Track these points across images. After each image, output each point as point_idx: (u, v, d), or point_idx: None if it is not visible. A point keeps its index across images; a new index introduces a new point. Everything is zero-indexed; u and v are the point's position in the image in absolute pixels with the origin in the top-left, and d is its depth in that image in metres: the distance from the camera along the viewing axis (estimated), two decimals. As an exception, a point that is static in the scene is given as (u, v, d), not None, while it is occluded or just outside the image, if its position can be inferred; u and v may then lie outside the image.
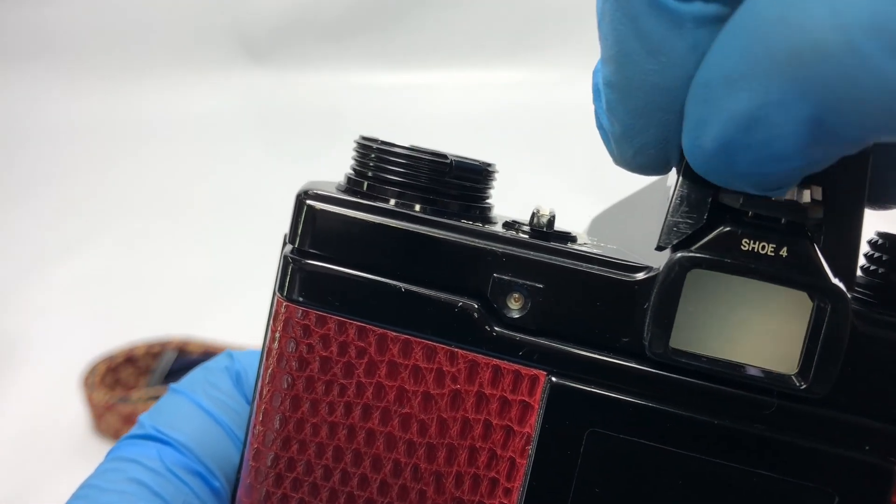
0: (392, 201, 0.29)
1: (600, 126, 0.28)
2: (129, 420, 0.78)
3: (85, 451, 0.79)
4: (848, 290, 0.25)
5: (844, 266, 0.25)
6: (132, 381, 0.87)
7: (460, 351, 0.28)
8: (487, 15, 1.51)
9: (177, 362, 0.88)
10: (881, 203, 0.28)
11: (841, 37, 0.18)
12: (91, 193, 1.31)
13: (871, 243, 0.29)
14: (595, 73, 0.28)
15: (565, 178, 1.28)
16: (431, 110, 1.44)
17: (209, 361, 0.39)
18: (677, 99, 0.24)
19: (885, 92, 0.18)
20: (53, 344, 0.95)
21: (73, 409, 0.83)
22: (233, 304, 1.04)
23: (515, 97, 1.48)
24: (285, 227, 0.30)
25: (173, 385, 0.37)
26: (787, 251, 0.25)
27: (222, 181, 1.34)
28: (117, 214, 1.26)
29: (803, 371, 0.26)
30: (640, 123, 0.25)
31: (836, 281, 0.25)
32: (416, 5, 1.51)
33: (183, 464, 0.34)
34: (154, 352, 0.88)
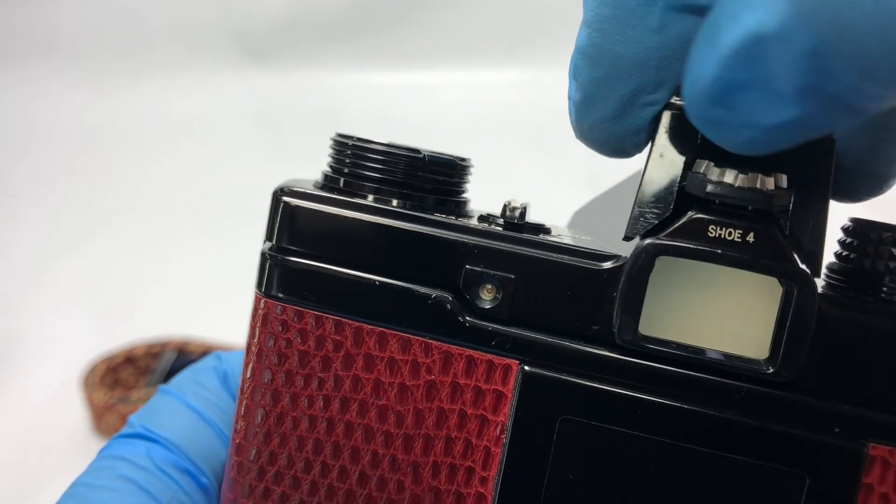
0: (369, 197, 0.30)
1: (570, 97, 0.28)
2: (129, 419, 0.79)
3: (85, 451, 0.79)
4: (815, 274, 0.26)
5: (811, 251, 0.26)
6: (132, 381, 0.87)
7: (434, 342, 0.29)
8: (487, 15, 1.51)
9: (177, 362, 0.88)
10: (849, 196, 0.28)
11: None
12: (91, 193, 1.32)
13: (844, 229, 0.30)
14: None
15: (563, 176, 1.28)
16: (431, 110, 1.44)
17: (197, 363, 0.39)
18: (635, 75, 0.25)
19: (887, 25, 0.18)
20: (53, 344, 0.95)
21: (73, 409, 0.83)
22: (233, 304, 1.03)
23: (515, 97, 1.47)
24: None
25: (162, 386, 0.38)
26: (753, 237, 0.26)
27: (222, 181, 1.35)
28: (117, 214, 1.26)
29: (772, 355, 0.26)
30: (600, 93, 0.26)
31: (802, 265, 0.26)
32: (416, 5, 1.51)
33: (171, 461, 0.34)
34: (154, 352, 0.89)
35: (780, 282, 0.26)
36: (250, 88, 1.54)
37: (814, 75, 0.20)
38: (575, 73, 0.27)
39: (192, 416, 0.36)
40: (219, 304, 1.04)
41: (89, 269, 1.13)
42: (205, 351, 0.89)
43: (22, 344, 0.95)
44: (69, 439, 0.81)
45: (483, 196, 0.34)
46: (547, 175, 1.32)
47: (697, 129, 0.25)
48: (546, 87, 1.44)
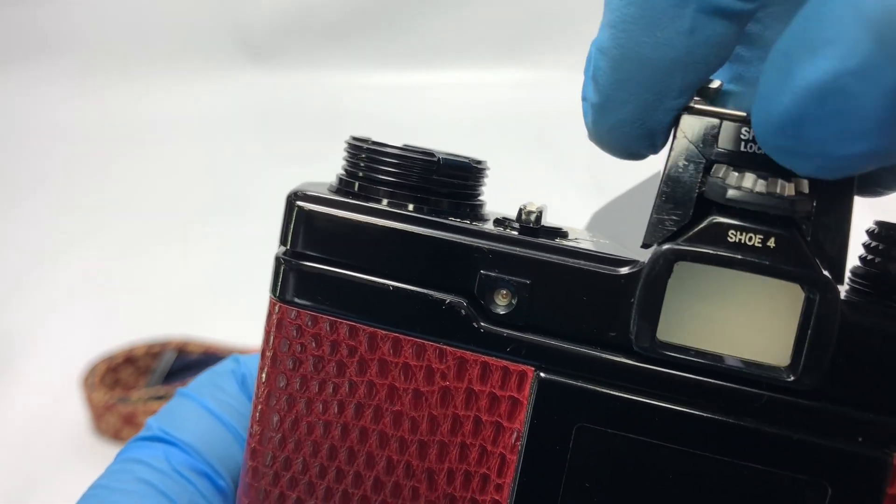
0: (384, 201, 0.29)
1: (584, 97, 0.28)
2: (129, 420, 0.78)
3: (85, 451, 0.79)
4: (838, 280, 0.25)
5: (834, 257, 0.25)
6: (132, 381, 0.87)
7: (449, 348, 0.28)
8: (487, 15, 1.52)
9: (176, 362, 0.88)
10: (871, 190, 0.28)
11: None
12: (91, 193, 1.32)
13: (870, 233, 0.29)
14: (593, 42, 0.27)
15: (565, 177, 1.28)
16: (431, 110, 1.44)
17: (216, 366, 0.39)
18: (661, 80, 0.24)
19: None
20: (53, 344, 0.95)
21: (73, 409, 0.83)
22: (233, 304, 1.04)
23: (515, 97, 1.48)
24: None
25: (180, 389, 0.38)
26: (774, 242, 0.25)
27: (222, 181, 1.35)
28: (117, 214, 1.26)
29: (793, 363, 0.26)
30: (621, 96, 0.25)
31: (824, 271, 0.25)
32: (416, 5, 1.51)
33: (189, 464, 0.34)
34: (154, 352, 0.88)
35: (802, 288, 0.25)
36: (250, 88, 1.54)
37: None
38: (594, 74, 0.26)
39: (210, 418, 0.36)
40: (218, 304, 1.04)
41: (89, 269, 1.13)
42: (205, 351, 0.89)
43: (22, 344, 0.95)
44: (69, 439, 0.81)
45: (483, 196, 0.33)
46: (547, 175, 1.32)
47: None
48: (546, 87, 1.45)
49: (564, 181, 1.28)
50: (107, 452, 0.78)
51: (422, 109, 1.44)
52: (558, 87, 1.42)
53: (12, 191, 1.31)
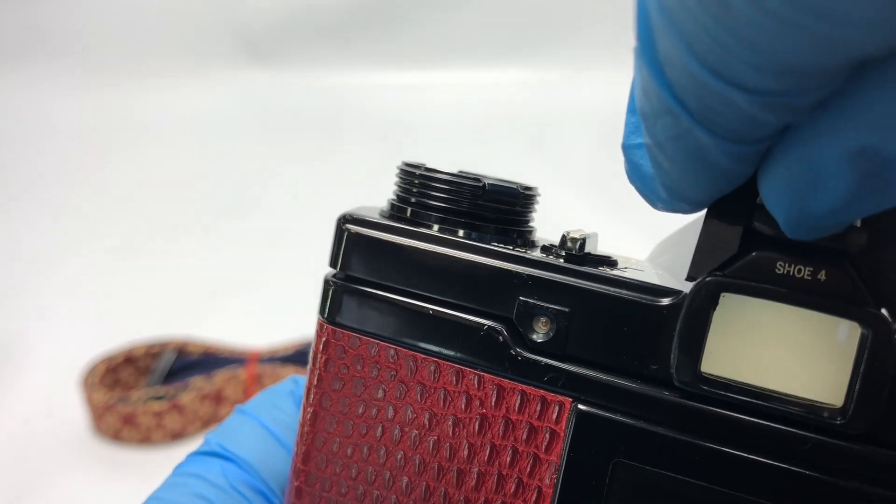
0: (435, 227, 0.29)
1: (641, 188, 0.26)
2: (129, 420, 0.78)
3: (84, 452, 0.79)
4: (894, 317, 0.23)
5: (889, 291, 0.24)
6: (132, 381, 0.87)
7: (487, 375, 0.28)
8: (487, 15, 1.51)
9: (176, 363, 0.88)
10: None
11: None
12: (91, 193, 1.31)
13: None
14: (626, 148, 0.25)
15: (565, 177, 1.28)
16: (431, 110, 1.44)
17: (274, 385, 0.40)
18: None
19: None
20: (53, 344, 0.95)
21: (73, 409, 0.83)
22: (232, 304, 1.04)
23: (515, 97, 1.48)
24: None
25: (239, 406, 0.38)
26: (824, 275, 0.24)
27: (222, 181, 1.34)
28: (117, 214, 1.26)
29: (844, 405, 0.24)
30: (707, 201, 0.24)
31: (882, 308, 0.23)
32: (416, 5, 1.50)
33: (245, 480, 0.35)
34: (153, 352, 0.88)
35: (855, 325, 0.24)
36: (250, 88, 1.54)
37: None
38: (669, 200, 0.24)
39: (268, 437, 0.36)
40: (218, 304, 1.04)
41: (89, 269, 1.13)
42: (204, 351, 0.89)
43: (22, 344, 0.94)
44: (69, 439, 0.80)
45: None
46: (547, 175, 1.32)
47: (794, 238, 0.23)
48: (546, 87, 1.45)
49: (564, 181, 1.28)
50: (106, 453, 0.78)
51: (422, 109, 1.44)
52: (558, 87, 1.42)
53: (12, 191, 1.31)
